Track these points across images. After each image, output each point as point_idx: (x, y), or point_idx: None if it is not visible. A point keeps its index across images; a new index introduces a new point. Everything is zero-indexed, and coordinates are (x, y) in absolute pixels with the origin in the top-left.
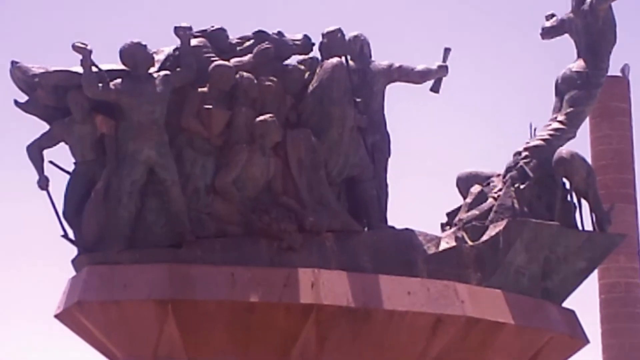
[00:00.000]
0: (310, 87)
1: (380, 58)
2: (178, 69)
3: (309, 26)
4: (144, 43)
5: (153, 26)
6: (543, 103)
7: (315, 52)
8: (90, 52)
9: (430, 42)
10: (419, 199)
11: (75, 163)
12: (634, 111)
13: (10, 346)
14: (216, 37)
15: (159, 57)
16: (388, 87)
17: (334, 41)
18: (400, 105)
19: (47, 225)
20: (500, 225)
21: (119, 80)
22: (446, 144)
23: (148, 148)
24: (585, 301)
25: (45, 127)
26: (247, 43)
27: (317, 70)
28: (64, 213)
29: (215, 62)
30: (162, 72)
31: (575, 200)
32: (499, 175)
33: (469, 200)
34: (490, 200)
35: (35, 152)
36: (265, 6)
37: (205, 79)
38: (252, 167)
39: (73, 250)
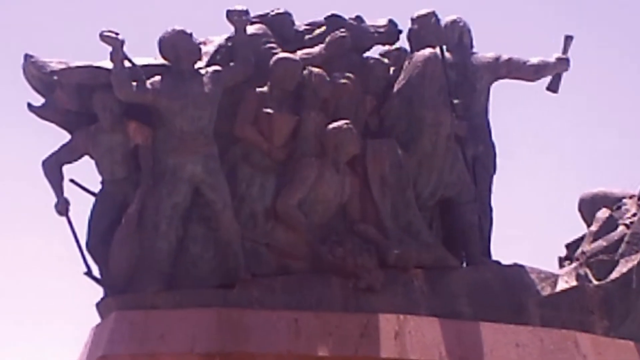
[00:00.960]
0: (396, 86)
1: (484, 49)
2: (231, 64)
3: (395, 9)
4: (188, 31)
5: (198, 10)
6: None
7: (403, 42)
8: (123, 42)
9: (545, 29)
10: (530, 226)
11: (102, 182)
12: None
13: None
14: (279, 24)
15: (208, 49)
16: (493, 85)
17: (426, 28)
18: (503, 105)
19: (67, 260)
20: (634, 260)
21: (157, 78)
22: (563, 156)
23: (193, 163)
24: None
25: (65, 137)
26: (318, 30)
27: (405, 65)
28: (87, 244)
29: (278, 55)
30: (212, 68)
31: None
32: (632, 196)
33: (594, 228)
34: (621, 228)
35: (53, 168)
36: None
37: (266, 76)
38: (323, 187)
39: (98, 291)
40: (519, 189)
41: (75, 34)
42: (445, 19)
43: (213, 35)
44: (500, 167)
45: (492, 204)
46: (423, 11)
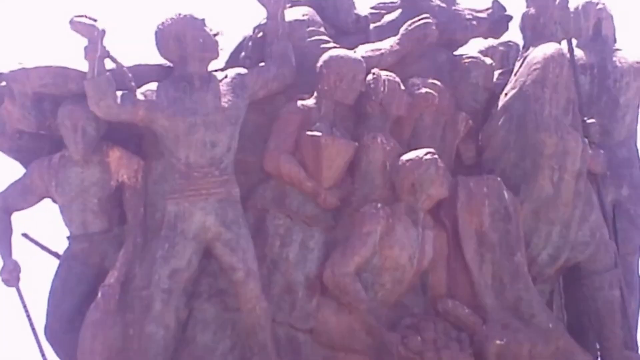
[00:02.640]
0: (503, 98)
1: (632, 44)
2: (261, 65)
3: None
4: (199, 17)
5: None
6: None
7: (513, 33)
8: (103, 33)
9: None
10: None
11: (69, 237)
12: None
13: None
14: (333, 6)
15: (227, 44)
16: None
17: (547, 13)
18: None
19: (16, 350)
20: None
21: (152, 86)
22: None
23: (203, 211)
24: None
25: (16, 170)
26: (389, 16)
27: (516, 67)
28: (45, 329)
29: (331, 52)
30: (233, 71)
31: None
32: None
33: None
34: None
35: None
36: None
37: (312, 83)
38: (393, 247)
39: None
40: None
41: (33, 20)
42: (575, 0)
43: (231, 23)
44: None
45: None
46: None
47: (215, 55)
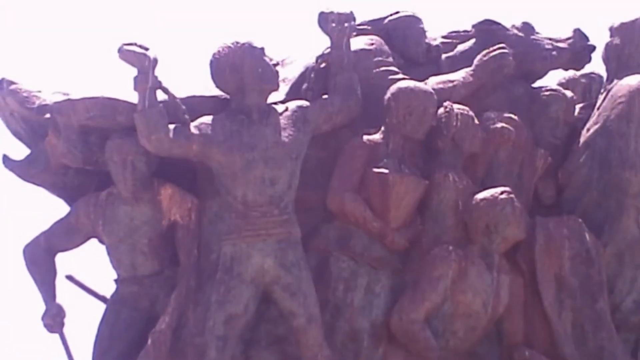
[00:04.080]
0: (585, 133)
1: None
2: (325, 97)
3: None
4: (258, 45)
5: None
6: None
7: (596, 63)
8: (155, 62)
9: None
10: None
11: (116, 280)
12: None
13: None
14: (402, 34)
15: (287, 74)
16: None
17: (632, 42)
18: None
19: None
20: None
21: (207, 119)
22: None
23: (262, 252)
24: None
25: (60, 208)
26: (462, 46)
27: (600, 100)
28: None
29: (399, 84)
30: (295, 104)
31: None
32: None
33: None
34: None
35: (41, 258)
36: None
37: (379, 117)
38: (466, 292)
39: None
40: None
41: (79, 49)
42: None
43: (292, 52)
44: None
45: None
46: (629, 17)
47: (275, 86)
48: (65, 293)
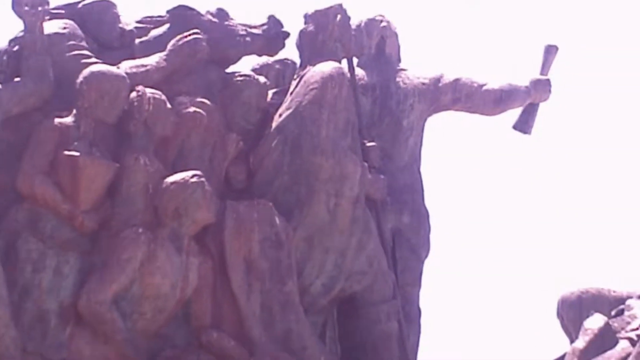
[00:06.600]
0: (278, 119)
1: (418, 63)
2: (17, 80)
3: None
4: None
5: None
6: None
7: (291, 50)
8: None
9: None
10: (489, 338)
11: None
12: None
13: None
14: (96, 19)
15: None
16: (431, 119)
17: (326, 29)
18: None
19: None
20: None
21: None
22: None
23: None
24: None
25: None
26: (156, 31)
27: (293, 86)
28: None
29: (92, 68)
30: None
31: None
32: None
33: (583, 342)
34: (623, 343)
35: None
36: None
37: (71, 100)
38: (155, 274)
39: None
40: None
41: None
42: (359, 17)
43: None
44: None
45: (421, 304)
46: (323, 5)
47: None
48: None
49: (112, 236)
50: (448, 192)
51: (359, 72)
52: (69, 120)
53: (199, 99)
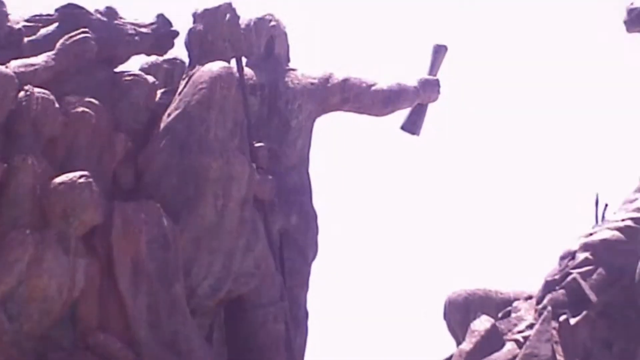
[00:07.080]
0: (166, 119)
1: (308, 63)
2: None
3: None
4: None
5: None
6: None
7: (180, 49)
8: None
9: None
10: (383, 337)
11: None
12: None
13: None
14: None
15: None
16: (320, 120)
17: (215, 29)
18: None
19: None
20: None
21: None
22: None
23: None
24: None
25: None
26: (44, 30)
27: (181, 86)
28: None
29: None
30: None
31: None
32: (528, 298)
33: (469, 344)
34: (509, 345)
35: None
36: None
37: None
38: (42, 276)
39: None
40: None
41: None
42: (248, 16)
43: None
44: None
45: (308, 306)
46: (212, 3)
47: None
48: None
49: (0, 236)
50: (336, 193)
51: (248, 71)
52: None
53: (87, 99)
